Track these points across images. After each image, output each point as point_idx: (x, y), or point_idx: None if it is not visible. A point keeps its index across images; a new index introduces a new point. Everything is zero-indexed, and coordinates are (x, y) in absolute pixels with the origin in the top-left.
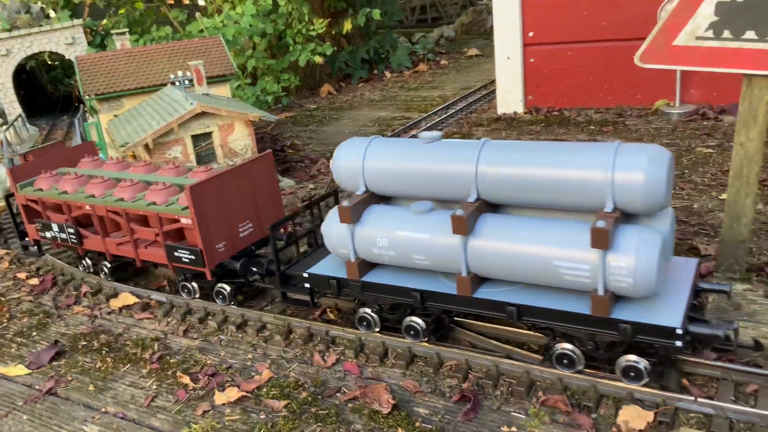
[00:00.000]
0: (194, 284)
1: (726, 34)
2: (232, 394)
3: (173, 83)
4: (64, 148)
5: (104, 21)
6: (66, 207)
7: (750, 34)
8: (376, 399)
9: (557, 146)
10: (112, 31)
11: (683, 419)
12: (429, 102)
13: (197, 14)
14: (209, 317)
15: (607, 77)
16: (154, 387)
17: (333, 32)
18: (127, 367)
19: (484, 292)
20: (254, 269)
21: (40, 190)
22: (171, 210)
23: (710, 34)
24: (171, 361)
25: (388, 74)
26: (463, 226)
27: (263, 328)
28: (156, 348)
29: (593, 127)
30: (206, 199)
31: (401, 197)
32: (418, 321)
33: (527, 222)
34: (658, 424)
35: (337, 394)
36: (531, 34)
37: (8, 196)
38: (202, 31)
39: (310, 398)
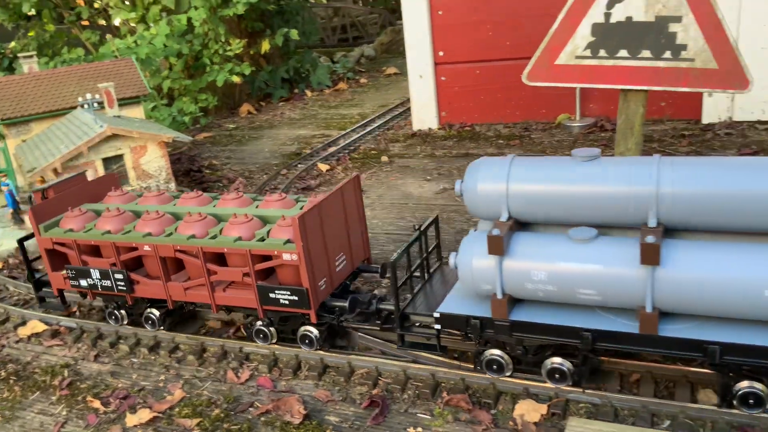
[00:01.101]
0: (272, 329)
1: (602, 53)
2: (144, 415)
3: (82, 106)
4: (85, 181)
5: (12, 43)
6: (113, 249)
7: (623, 53)
8: (288, 411)
9: (749, 162)
10: (19, 54)
11: (573, 409)
12: (348, 120)
13: (108, 36)
14: (121, 341)
15: (513, 94)
16: (64, 413)
17: (251, 52)
18: (36, 394)
19: (670, 330)
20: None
21: (71, 230)
22: (269, 245)
23: (588, 53)
24: (81, 386)
25: (308, 93)
26: (655, 256)
27: (176, 348)
28: (66, 374)
29: (501, 141)
30: (311, 230)
31: (551, 223)
32: (564, 363)
33: (727, 249)
34: (551, 416)
35: (250, 409)
36: (441, 53)
37: (23, 240)
38: (114, 52)
39: (222, 415)
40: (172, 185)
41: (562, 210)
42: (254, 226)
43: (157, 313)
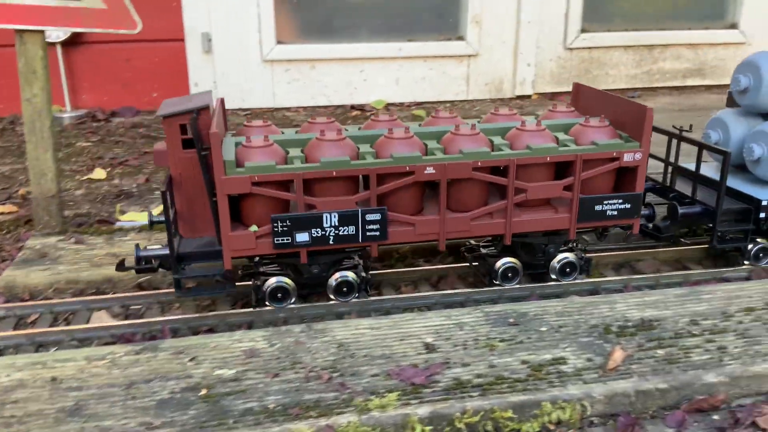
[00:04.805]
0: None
1: None
2: None
3: None
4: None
5: None
6: (372, 180)
7: None
8: None
9: None
10: None
11: None
12: None
13: None
14: None
15: None
16: None
17: None
18: None
19: None
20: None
21: (273, 165)
22: (611, 147)
23: None
24: None
25: None
26: None
27: None
28: None
29: None
30: None
31: None
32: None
33: None
34: None
35: None
36: None
37: (166, 191)
38: None
39: None
40: None
41: None
42: (548, 134)
43: (352, 275)
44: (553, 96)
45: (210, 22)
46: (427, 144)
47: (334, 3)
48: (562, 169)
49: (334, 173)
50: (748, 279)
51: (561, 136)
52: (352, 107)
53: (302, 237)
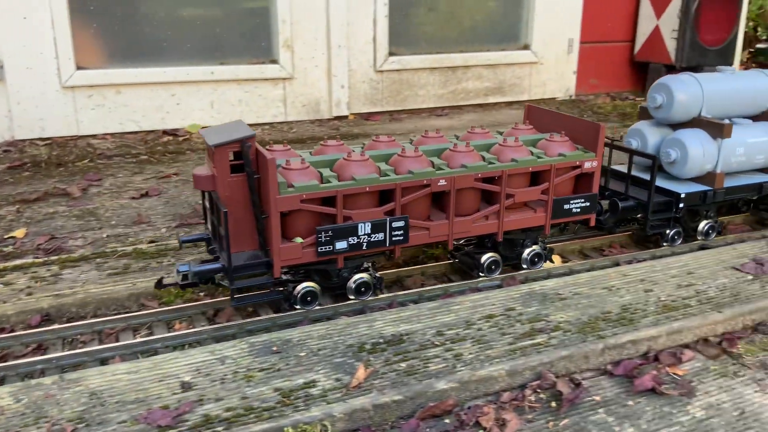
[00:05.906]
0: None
1: None
2: None
3: None
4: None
5: None
6: (397, 193)
7: None
8: None
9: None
10: None
11: None
12: None
13: None
14: None
15: None
16: None
17: None
18: None
19: None
20: None
21: (317, 184)
22: (575, 157)
23: None
24: None
25: None
26: None
27: None
28: None
29: None
30: None
31: (722, 117)
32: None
33: None
34: None
35: None
36: None
37: (227, 212)
38: None
39: None
40: None
41: (734, 106)
42: (525, 149)
43: (367, 276)
44: (368, 116)
45: (0, 49)
46: (432, 161)
47: (138, 27)
48: (535, 176)
49: (368, 188)
50: (499, 287)
51: (533, 149)
52: (164, 132)
53: (341, 245)
